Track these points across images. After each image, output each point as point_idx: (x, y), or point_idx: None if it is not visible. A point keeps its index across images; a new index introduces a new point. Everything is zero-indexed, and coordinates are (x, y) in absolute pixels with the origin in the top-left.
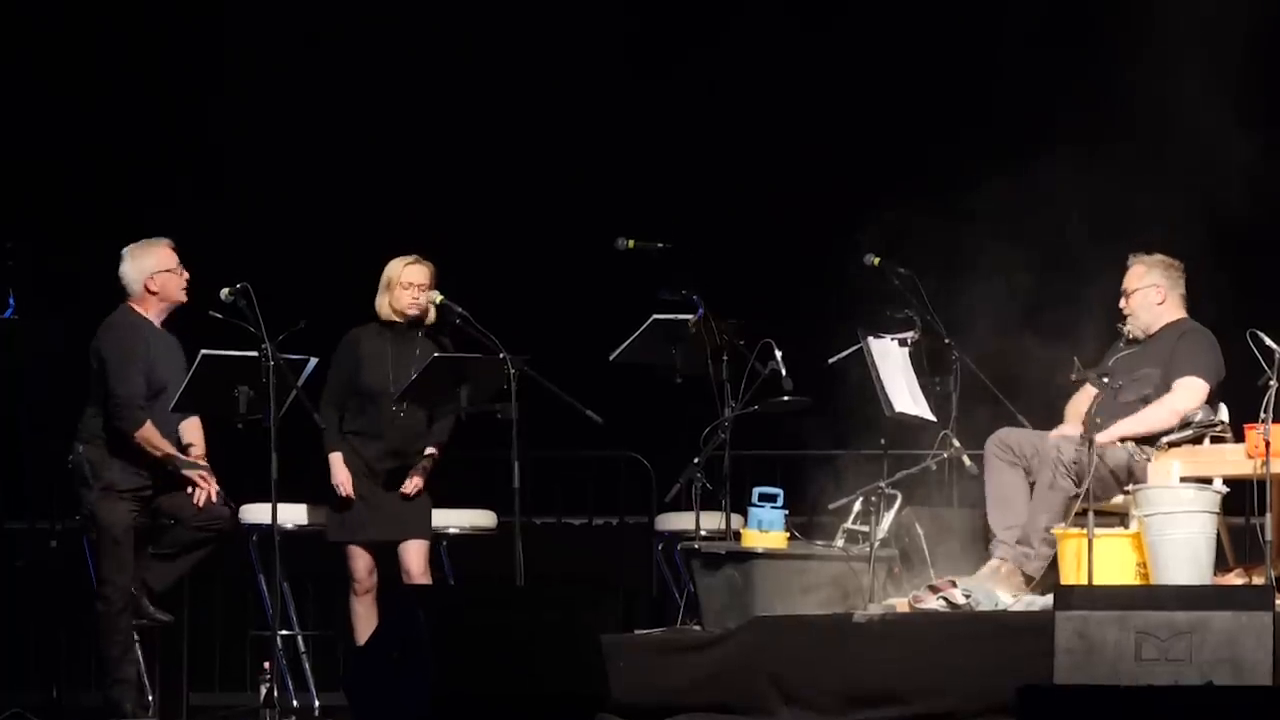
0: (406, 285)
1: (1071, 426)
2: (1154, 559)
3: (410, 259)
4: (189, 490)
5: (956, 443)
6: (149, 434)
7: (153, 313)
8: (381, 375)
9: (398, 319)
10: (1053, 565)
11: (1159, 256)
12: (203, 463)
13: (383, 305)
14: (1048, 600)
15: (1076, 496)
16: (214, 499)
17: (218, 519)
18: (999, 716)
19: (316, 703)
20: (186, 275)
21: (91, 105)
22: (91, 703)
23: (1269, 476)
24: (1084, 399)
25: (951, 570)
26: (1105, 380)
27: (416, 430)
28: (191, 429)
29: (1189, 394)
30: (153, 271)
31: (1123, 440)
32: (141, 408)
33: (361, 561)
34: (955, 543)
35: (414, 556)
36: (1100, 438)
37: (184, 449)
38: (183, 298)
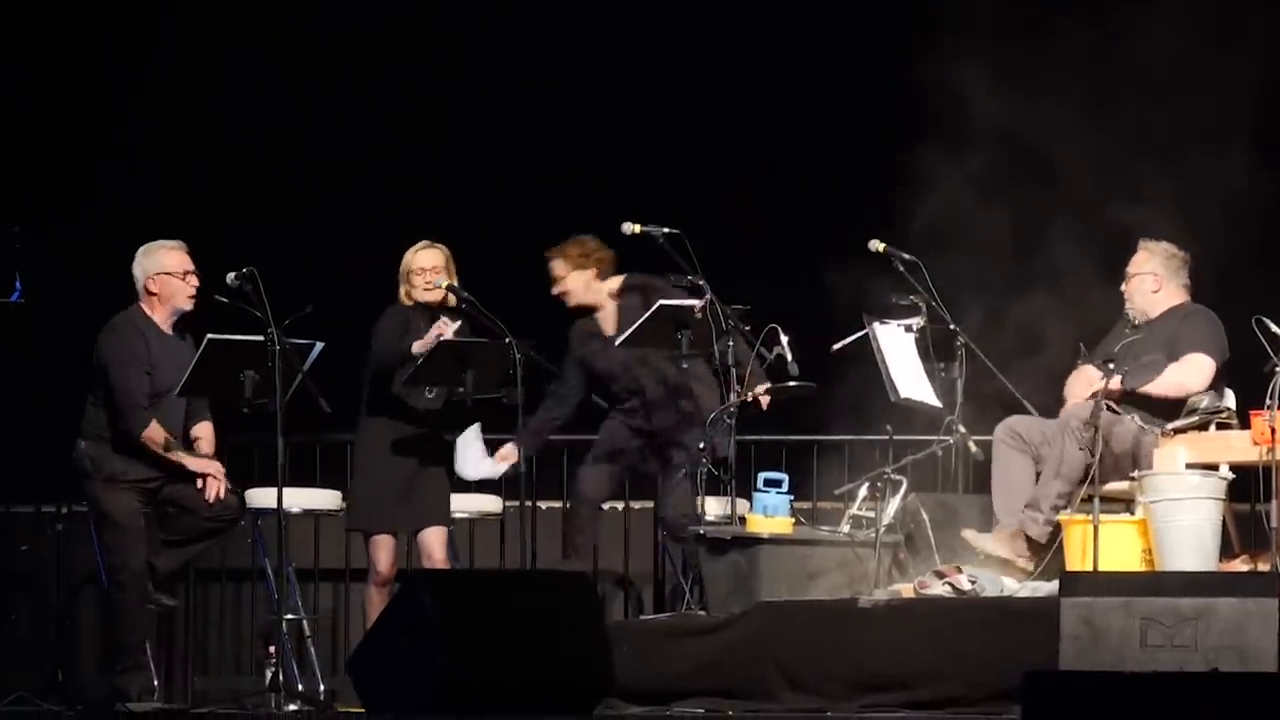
0: (419, 271)
1: (1078, 397)
2: (1159, 545)
3: (423, 244)
4: (199, 485)
5: (962, 428)
6: (154, 434)
7: (159, 315)
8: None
9: (417, 305)
10: (1058, 551)
11: (1164, 245)
12: (211, 459)
13: (404, 294)
14: (1053, 586)
15: (1088, 465)
16: (222, 495)
17: (228, 510)
18: (1003, 702)
19: (322, 687)
20: (196, 283)
21: (98, 89)
22: (96, 686)
23: (1275, 463)
24: (1082, 379)
25: (957, 557)
26: (1111, 367)
27: (437, 414)
28: (203, 429)
29: (1195, 369)
30: (154, 272)
31: (1129, 393)
32: (145, 407)
33: (384, 551)
34: (960, 529)
35: (436, 543)
36: (1110, 384)
37: (192, 444)
38: (186, 304)
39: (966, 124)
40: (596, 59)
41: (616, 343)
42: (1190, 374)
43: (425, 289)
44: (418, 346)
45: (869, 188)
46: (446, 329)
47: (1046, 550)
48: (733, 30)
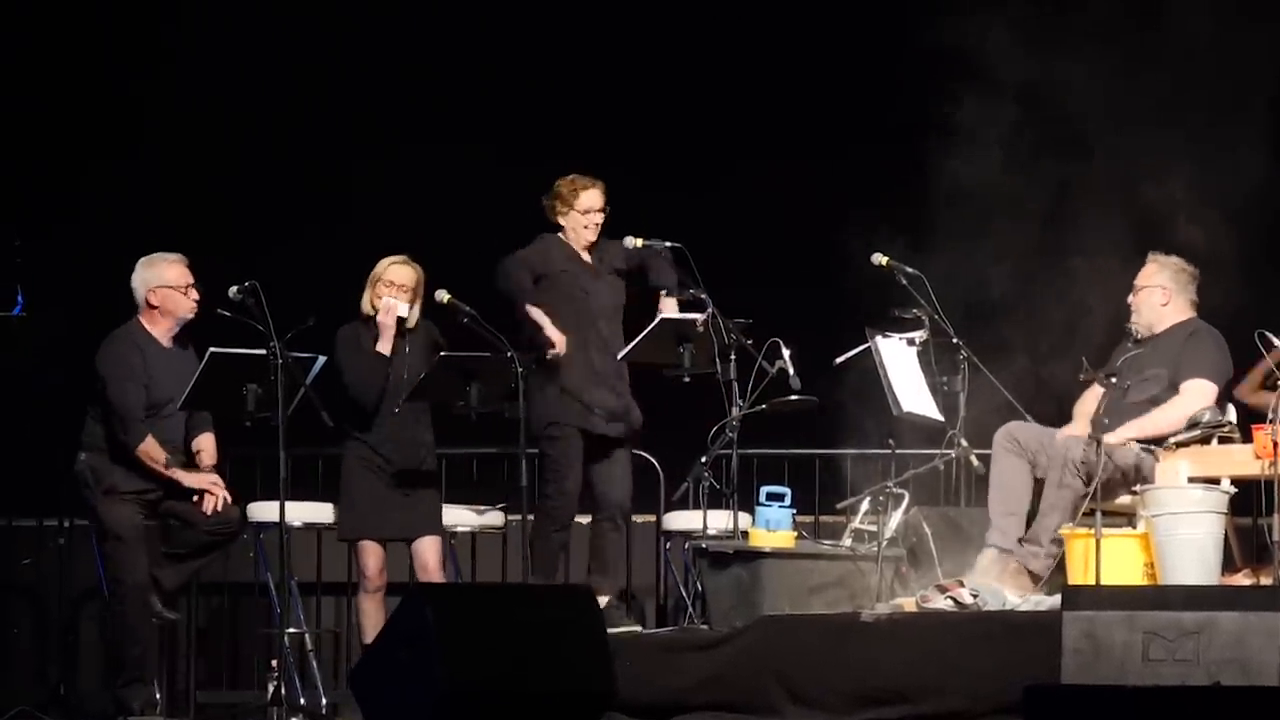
0: (389, 284)
1: (1079, 426)
2: (1161, 559)
3: (398, 259)
4: (194, 499)
5: (964, 442)
6: (150, 449)
7: (159, 328)
8: (376, 369)
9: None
10: (1060, 565)
11: (1174, 259)
12: (211, 472)
13: (366, 302)
14: (1055, 600)
15: (1085, 496)
16: (219, 508)
17: (229, 522)
18: (1006, 716)
19: (324, 700)
20: (196, 295)
21: (98, 92)
22: (98, 700)
23: (1277, 477)
24: (1091, 399)
25: (959, 570)
26: (1113, 381)
27: (420, 426)
28: (205, 441)
29: (1197, 397)
30: (155, 285)
31: (1130, 442)
32: (142, 420)
33: (373, 558)
34: (963, 542)
35: (429, 552)
36: (1108, 439)
37: (193, 456)
38: (187, 315)
39: (973, 111)
40: (597, 65)
41: (619, 357)
42: (1194, 404)
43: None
44: (384, 345)
45: (871, 186)
46: (395, 305)
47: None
48: (734, 30)
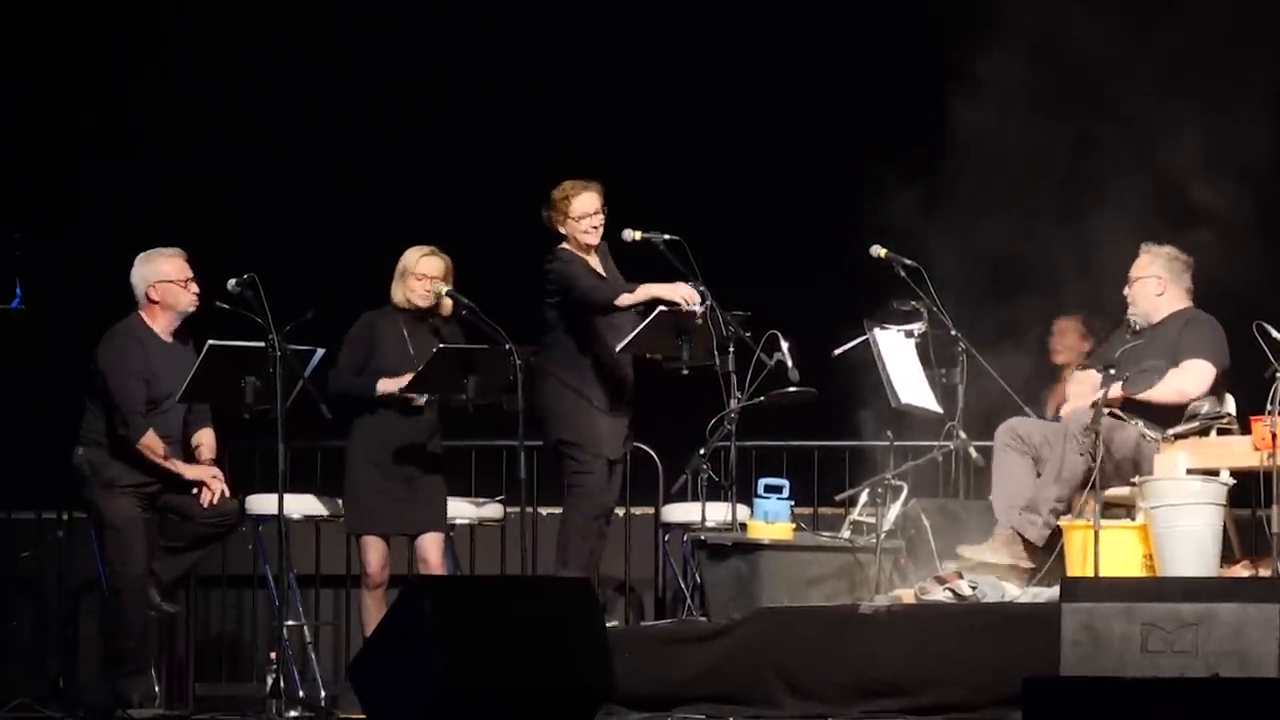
0: (420, 276)
1: (1073, 403)
2: (1160, 551)
3: (426, 250)
4: (194, 491)
5: (963, 434)
6: (151, 443)
7: (159, 323)
8: (399, 363)
9: (410, 307)
10: (1059, 557)
11: (1167, 249)
12: (210, 466)
13: (397, 293)
14: (1054, 592)
15: (1087, 472)
16: (215, 501)
17: (227, 515)
18: (1005, 708)
19: (323, 693)
20: (196, 289)
21: (97, 90)
22: (97, 693)
23: (1275, 468)
24: (1084, 376)
25: (958, 563)
26: (1112, 372)
27: (430, 420)
28: (204, 436)
29: (1196, 375)
30: (155, 280)
31: (1129, 399)
32: (143, 414)
33: (376, 554)
34: (961, 534)
35: (432, 548)
36: (1111, 391)
37: (192, 451)
38: (188, 309)
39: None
40: (597, 60)
41: (617, 350)
42: (1190, 380)
43: (423, 296)
44: (386, 385)
45: (872, 192)
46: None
47: (1046, 553)
48: (733, 29)
